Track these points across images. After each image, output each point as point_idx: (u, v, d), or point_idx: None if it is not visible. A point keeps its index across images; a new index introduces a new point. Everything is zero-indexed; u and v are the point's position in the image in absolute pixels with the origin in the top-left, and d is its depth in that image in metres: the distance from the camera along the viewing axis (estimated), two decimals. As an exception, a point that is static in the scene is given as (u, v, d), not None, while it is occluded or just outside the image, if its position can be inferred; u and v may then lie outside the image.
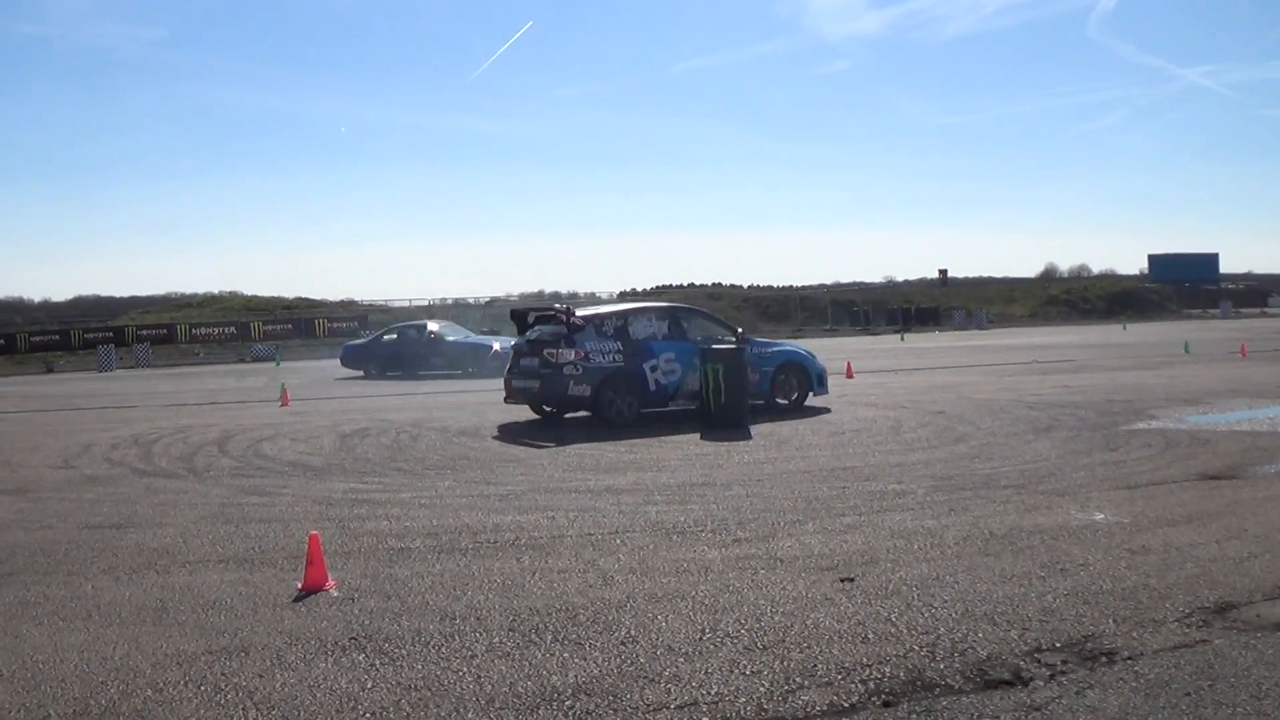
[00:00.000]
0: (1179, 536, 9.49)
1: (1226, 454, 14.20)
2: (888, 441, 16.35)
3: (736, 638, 6.91)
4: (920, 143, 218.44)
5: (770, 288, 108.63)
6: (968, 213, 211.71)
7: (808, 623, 7.19)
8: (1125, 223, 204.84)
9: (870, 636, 6.88)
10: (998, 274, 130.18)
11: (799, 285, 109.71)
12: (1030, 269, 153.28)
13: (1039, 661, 6.34)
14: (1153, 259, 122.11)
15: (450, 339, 38.00)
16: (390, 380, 35.77)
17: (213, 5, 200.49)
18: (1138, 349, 41.88)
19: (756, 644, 6.77)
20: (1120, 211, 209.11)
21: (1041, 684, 5.97)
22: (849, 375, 29.66)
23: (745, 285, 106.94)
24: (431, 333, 38.22)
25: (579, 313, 19.62)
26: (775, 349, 21.87)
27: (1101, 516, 10.44)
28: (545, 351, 19.12)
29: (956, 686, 5.97)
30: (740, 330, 21.21)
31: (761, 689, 5.99)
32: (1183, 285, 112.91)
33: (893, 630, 7.00)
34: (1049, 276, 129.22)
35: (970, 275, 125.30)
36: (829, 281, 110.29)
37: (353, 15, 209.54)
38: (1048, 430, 17.04)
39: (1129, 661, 6.30)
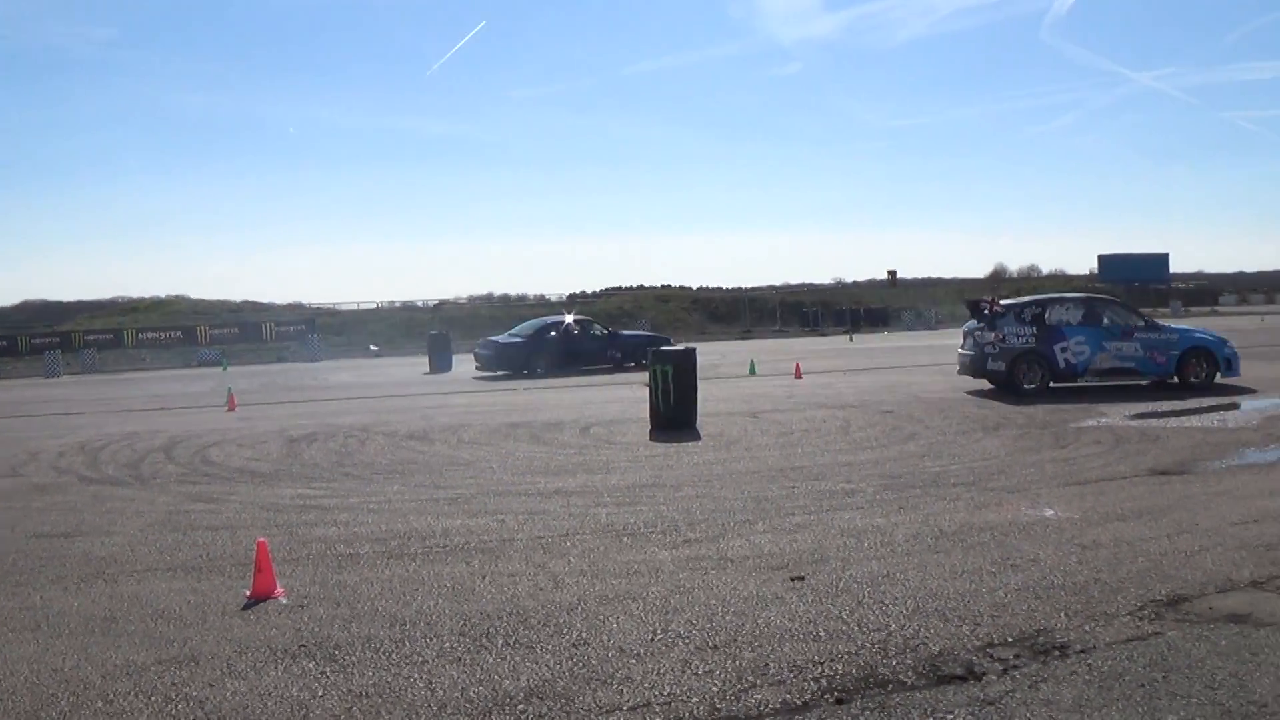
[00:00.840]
0: (1130, 531, 9.58)
1: (1177, 450, 14.35)
2: (837, 441, 16.40)
3: (688, 638, 6.92)
4: (871, 145, 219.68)
5: (720, 289, 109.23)
6: (918, 214, 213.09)
7: (759, 622, 7.21)
8: (1076, 224, 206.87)
9: (822, 634, 6.90)
10: (947, 275, 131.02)
11: (748, 287, 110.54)
12: (980, 270, 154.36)
13: (991, 656, 6.38)
14: (1103, 259, 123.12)
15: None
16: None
17: (162, 5, 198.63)
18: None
19: (708, 644, 6.78)
20: (1071, 213, 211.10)
21: (994, 678, 6.01)
22: (798, 376, 29.75)
23: (695, 287, 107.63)
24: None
25: (1002, 302, 23.88)
26: (1183, 334, 23.47)
27: (1052, 512, 10.53)
28: (975, 333, 23.14)
29: (909, 682, 6.00)
30: (1148, 318, 24.08)
31: (714, 689, 6.00)
32: (1133, 285, 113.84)
33: (844, 628, 7.03)
34: (998, 277, 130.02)
35: (920, 276, 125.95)
36: (778, 283, 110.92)
37: (303, 15, 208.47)
38: (997, 428, 17.15)
39: (1082, 654, 6.36)
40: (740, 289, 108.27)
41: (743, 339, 64.86)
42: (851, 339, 63.71)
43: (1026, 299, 24.34)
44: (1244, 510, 10.35)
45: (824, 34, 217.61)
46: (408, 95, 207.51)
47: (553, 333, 37.43)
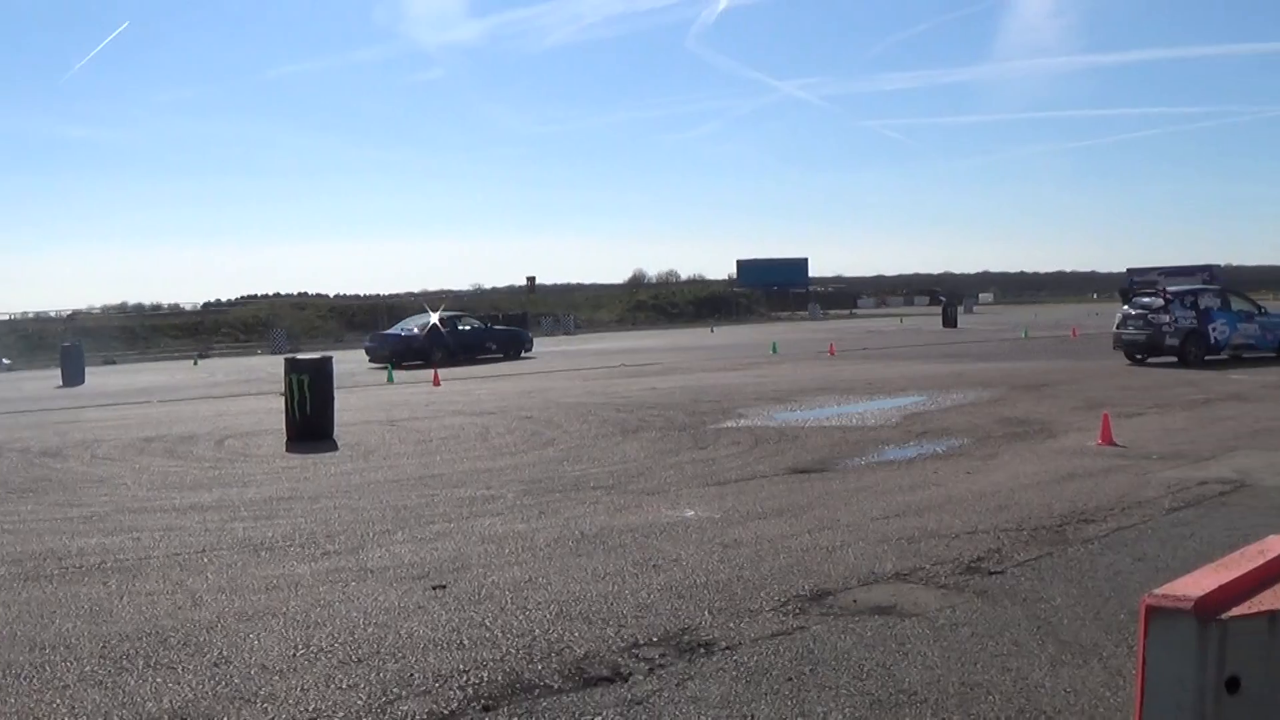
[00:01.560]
0: (771, 529, 9.93)
1: (815, 448, 15.01)
2: (476, 448, 16.44)
3: (331, 652, 6.82)
4: (513, 151, 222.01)
5: (358, 297, 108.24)
6: (558, 220, 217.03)
7: (402, 632, 7.17)
8: (717, 229, 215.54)
9: (465, 642, 6.90)
10: (587, 280, 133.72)
11: (387, 294, 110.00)
12: (619, 275, 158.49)
13: (637, 656, 6.49)
14: (741, 264, 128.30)
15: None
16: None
17: None
18: (726, 351, 43.74)
19: (351, 657, 6.71)
20: (712, 218, 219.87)
21: (641, 678, 6.11)
22: (436, 383, 29.70)
23: (332, 295, 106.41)
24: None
25: (1169, 289, 28.98)
26: None
27: (692, 513, 10.80)
28: (1149, 315, 28.75)
29: (556, 686, 6.05)
30: (1262, 306, 30.41)
31: (359, 702, 5.93)
32: (771, 289, 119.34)
33: (488, 635, 7.04)
34: (637, 282, 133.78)
35: (559, 282, 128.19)
36: (417, 290, 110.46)
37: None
38: (636, 431, 17.52)
39: (728, 651, 6.52)
40: (379, 296, 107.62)
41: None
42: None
43: (1182, 287, 29.65)
44: (884, 505, 10.90)
45: (468, 40, 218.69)
46: (45, 97, 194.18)
47: (446, 328, 42.33)
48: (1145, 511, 10.27)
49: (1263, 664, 3.21)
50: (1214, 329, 28.40)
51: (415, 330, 42.33)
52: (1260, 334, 28.80)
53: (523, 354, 44.58)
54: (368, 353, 42.54)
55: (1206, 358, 28.04)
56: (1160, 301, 28.82)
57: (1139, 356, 29.57)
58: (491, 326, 48.27)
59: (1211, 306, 28.66)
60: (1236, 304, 29.29)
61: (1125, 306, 30.67)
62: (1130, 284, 32.97)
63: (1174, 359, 28.36)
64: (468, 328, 44.28)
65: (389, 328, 47.07)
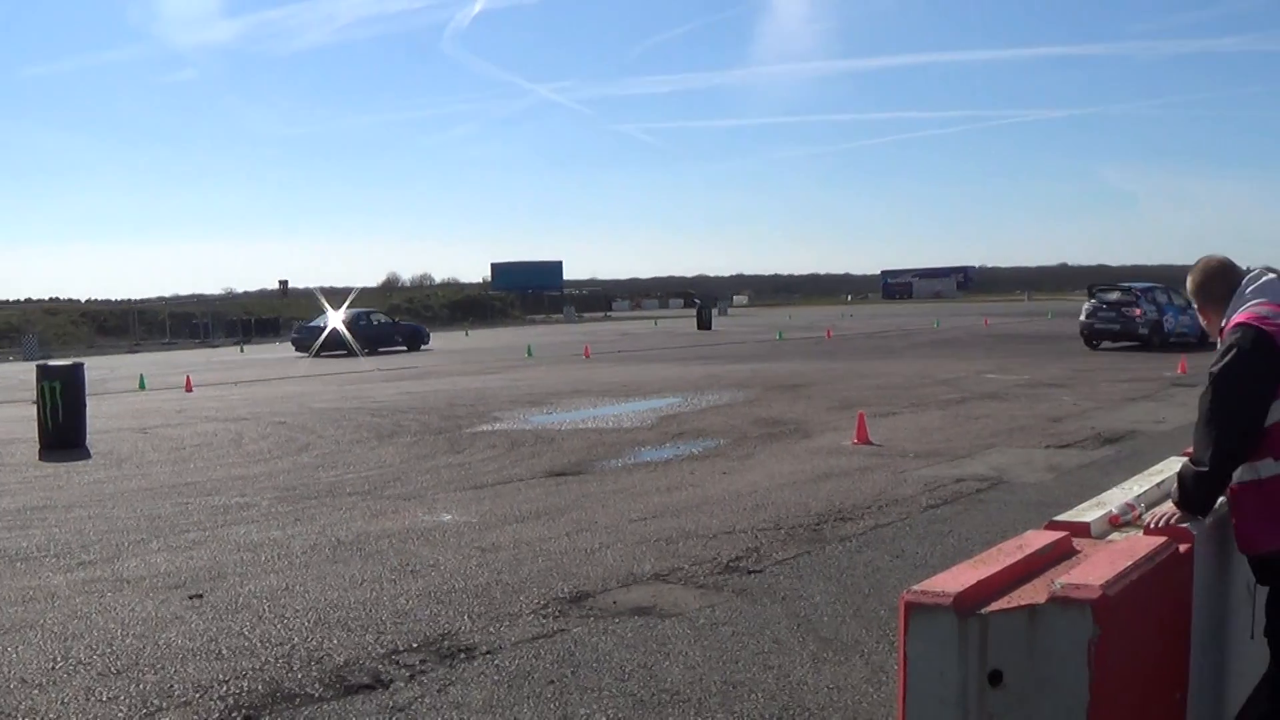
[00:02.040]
0: (529, 532, 9.94)
1: (572, 451, 15.08)
2: (230, 454, 16.12)
3: (90, 664, 6.66)
4: (267, 153, 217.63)
5: (109, 301, 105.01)
6: (311, 223, 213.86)
7: (160, 643, 7.04)
8: (471, 232, 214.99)
9: (224, 652, 6.81)
10: (339, 284, 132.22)
11: (138, 299, 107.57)
12: (373, 278, 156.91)
13: (398, 663, 6.45)
14: (496, 267, 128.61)
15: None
16: None
17: None
18: (481, 354, 43.69)
19: (110, 669, 6.55)
20: (466, 221, 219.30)
21: (403, 685, 6.08)
22: (188, 389, 28.98)
23: (84, 300, 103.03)
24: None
25: (1135, 287, 35.07)
26: None
27: (449, 517, 10.76)
28: (1122, 309, 34.07)
29: (317, 694, 6.00)
30: (1191, 301, 32.77)
31: (120, 714, 5.81)
32: (526, 292, 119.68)
33: (246, 644, 6.96)
34: (391, 285, 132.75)
35: (312, 285, 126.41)
36: (168, 294, 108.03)
37: None
38: (392, 436, 17.36)
39: (489, 656, 6.51)
40: (130, 301, 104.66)
41: (133, 352, 62.09)
42: (243, 350, 62.59)
43: (1144, 285, 36.03)
44: (642, 506, 11.00)
45: (222, 40, 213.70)
46: None
47: (362, 321, 49.51)
48: (902, 509, 10.56)
49: (1024, 657, 3.31)
50: (1166, 320, 34.03)
51: (337, 324, 48.10)
52: (1192, 324, 31.76)
53: (422, 347, 50.02)
54: (294, 344, 49.70)
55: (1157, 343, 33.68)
56: (1130, 297, 34.38)
57: (1096, 343, 34.87)
58: (398, 322, 55.22)
59: (1164, 302, 34.46)
60: (1176, 300, 34.33)
61: (1091, 300, 35.75)
62: (1088, 287, 38.86)
63: (1138, 344, 33.75)
64: (378, 322, 51.33)
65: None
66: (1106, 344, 34.75)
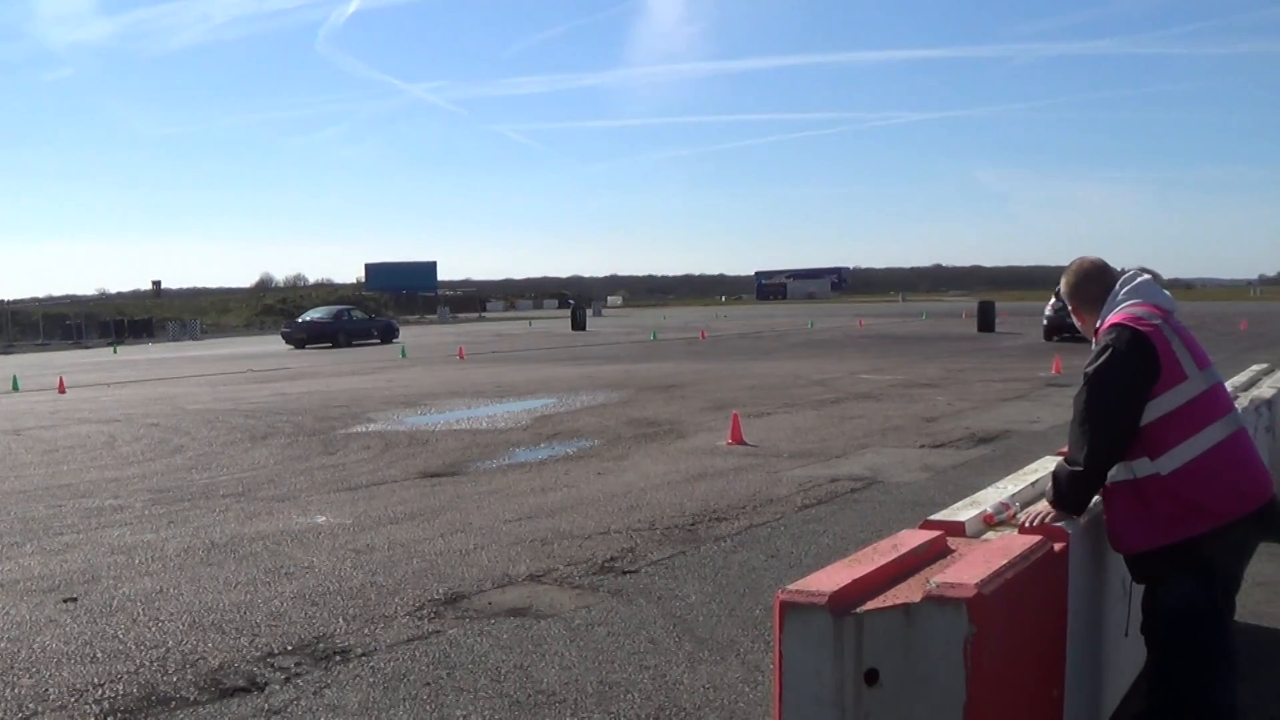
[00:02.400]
0: (403, 534, 9.87)
1: (446, 452, 14.99)
2: (103, 456, 15.83)
3: None
4: (140, 153, 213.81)
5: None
6: (185, 223, 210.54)
7: (34, 646, 6.93)
8: (345, 233, 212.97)
9: (99, 655, 6.71)
10: (213, 285, 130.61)
11: (10, 300, 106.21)
12: (246, 279, 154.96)
13: (273, 666, 6.38)
14: (370, 268, 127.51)
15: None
16: None
17: None
18: (355, 355, 43.20)
19: None
20: (340, 222, 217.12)
21: (278, 687, 6.01)
22: (61, 390, 28.47)
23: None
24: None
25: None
26: None
27: (323, 519, 10.64)
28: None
29: (192, 698, 5.92)
30: None
31: None
32: (400, 293, 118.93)
33: (121, 647, 6.86)
34: (264, 286, 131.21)
35: (185, 286, 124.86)
36: (42, 295, 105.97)
37: None
38: (265, 438, 17.15)
39: (364, 658, 6.45)
40: (3, 302, 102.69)
41: (6, 354, 60.72)
42: (116, 351, 61.45)
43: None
44: (517, 507, 10.95)
45: (97, 39, 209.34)
46: None
47: (343, 317, 55.60)
48: (777, 509, 10.61)
49: (900, 656, 3.32)
50: None
51: (325, 318, 55.42)
52: None
53: (394, 340, 54.73)
54: (284, 337, 55.03)
55: None
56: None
57: (1054, 337, 36.83)
58: (374, 318, 62.16)
59: None
60: None
61: (1056, 299, 35.32)
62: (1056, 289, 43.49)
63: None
64: (356, 318, 57.21)
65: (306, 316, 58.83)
66: (1065, 336, 35.69)
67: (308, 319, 56.40)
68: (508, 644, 6.65)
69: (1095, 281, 4.64)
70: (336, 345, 51.73)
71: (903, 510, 10.19)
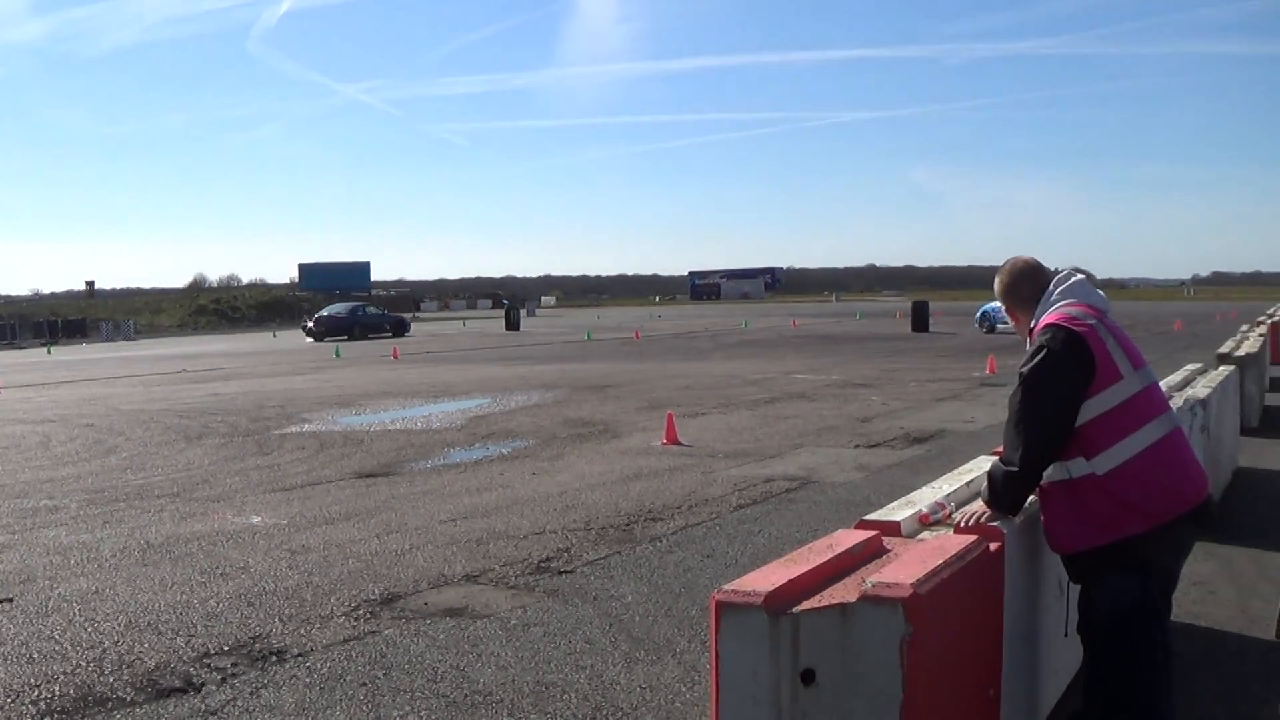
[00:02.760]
0: (338, 534, 9.82)
1: (381, 452, 14.92)
2: (37, 457, 15.68)
3: None
4: (73, 153, 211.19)
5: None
6: (117, 224, 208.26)
7: None
8: (278, 233, 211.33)
9: (35, 656, 6.68)
10: (147, 285, 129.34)
11: None
12: (180, 279, 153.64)
13: (209, 666, 6.35)
14: (303, 268, 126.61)
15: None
16: None
17: None
18: (290, 355, 42.97)
19: None
20: (273, 222, 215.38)
21: (215, 688, 5.98)
22: (-5, 389, 27.99)
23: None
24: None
25: None
26: None
27: (259, 519, 10.57)
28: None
29: (129, 699, 5.89)
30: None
31: None
32: (334, 293, 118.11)
33: (58, 648, 6.82)
34: (198, 286, 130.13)
35: (119, 286, 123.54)
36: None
37: None
38: (200, 438, 17.00)
39: (300, 658, 6.41)
40: None
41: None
42: (50, 351, 60.72)
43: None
44: (452, 508, 10.91)
45: (30, 39, 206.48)
46: None
47: (359, 312, 60.38)
48: (712, 509, 10.62)
49: (837, 656, 3.33)
50: None
51: (342, 313, 59.71)
52: None
53: (405, 334, 58.80)
54: (305, 331, 59.32)
55: None
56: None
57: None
58: (387, 314, 64.94)
59: None
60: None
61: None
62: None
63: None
64: (371, 312, 62.16)
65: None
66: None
67: (325, 314, 60.09)
68: (444, 644, 6.63)
69: (1029, 281, 4.64)
70: (352, 338, 55.70)
71: (838, 510, 10.23)
